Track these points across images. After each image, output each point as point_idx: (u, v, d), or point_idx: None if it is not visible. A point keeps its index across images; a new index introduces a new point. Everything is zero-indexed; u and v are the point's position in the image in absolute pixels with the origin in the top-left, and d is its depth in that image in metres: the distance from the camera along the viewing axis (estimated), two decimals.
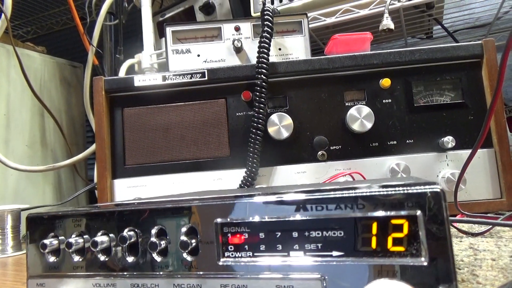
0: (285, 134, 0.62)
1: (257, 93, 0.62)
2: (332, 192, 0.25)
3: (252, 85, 0.63)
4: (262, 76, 0.62)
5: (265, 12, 0.66)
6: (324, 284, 0.25)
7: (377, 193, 0.24)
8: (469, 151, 0.61)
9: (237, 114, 0.65)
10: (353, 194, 0.24)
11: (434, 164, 0.62)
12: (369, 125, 0.61)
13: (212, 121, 0.65)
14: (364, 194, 0.24)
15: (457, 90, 0.63)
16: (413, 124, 0.63)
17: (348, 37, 0.69)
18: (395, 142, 0.63)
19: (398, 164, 0.61)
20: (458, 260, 0.41)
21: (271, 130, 0.62)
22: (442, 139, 0.61)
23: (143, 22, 0.99)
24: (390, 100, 0.64)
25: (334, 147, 0.64)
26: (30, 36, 1.49)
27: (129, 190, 0.65)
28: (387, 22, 0.72)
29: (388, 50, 0.64)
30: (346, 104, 0.64)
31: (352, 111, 0.62)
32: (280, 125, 0.62)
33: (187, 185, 0.64)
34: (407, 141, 0.63)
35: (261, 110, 0.61)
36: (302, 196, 0.26)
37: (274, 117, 0.62)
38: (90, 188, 0.99)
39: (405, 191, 0.23)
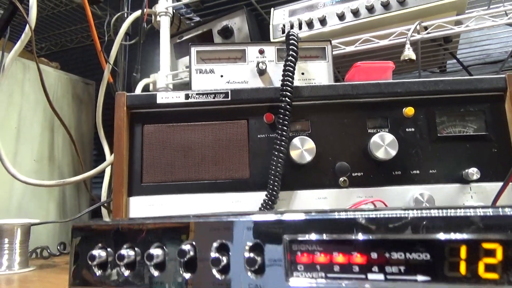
0: (307, 158, 0.61)
1: (281, 116, 0.61)
2: (414, 211, 0.23)
3: (275, 107, 0.63)
4: (286, 99, 0.62)
5: (290, 37, 0.67)
6: None
7: (468, 215, 0.22)
8: (492, 184, 0.61)
9: (259, 136, 0.65)
10: (439, 214, 0.23)
11: (458, 196, 0.61)
12: (393, 152, 0.61)
13: (233, 142, 0.65)
14: (453, 215, 0.23)
15: (480, 122, 0.63)
16: (436, 154, 0.62)
17: (371, 65, 0.69)
18: (418, 172, 0.62)
19: (422, 194, 0.60)
20: None
21: (293, 153, 0.61)
22: (466, 170, 0.60)
23: (161, 43, 1.00)
24: (413, 129, 0.63)
25: (356, 174, 0.63)
26: (44, 52, 1.50)
27: (144, 209, 0.63)
28: (409, 53, 0.73)
29: (412, 80, 0.64)
30: (369, 131, 0.64)
31: (376, 138, 0.61)
32: (303, 149, 0.61)
33: (204, 206, 0.63)
34: (430, 171, 0.62)
35: (284, 133, 0.61)
36: (385, 214, 0.24)
37: (296, 140, 0.62)
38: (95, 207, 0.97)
39: (499, 213, 0.22)
